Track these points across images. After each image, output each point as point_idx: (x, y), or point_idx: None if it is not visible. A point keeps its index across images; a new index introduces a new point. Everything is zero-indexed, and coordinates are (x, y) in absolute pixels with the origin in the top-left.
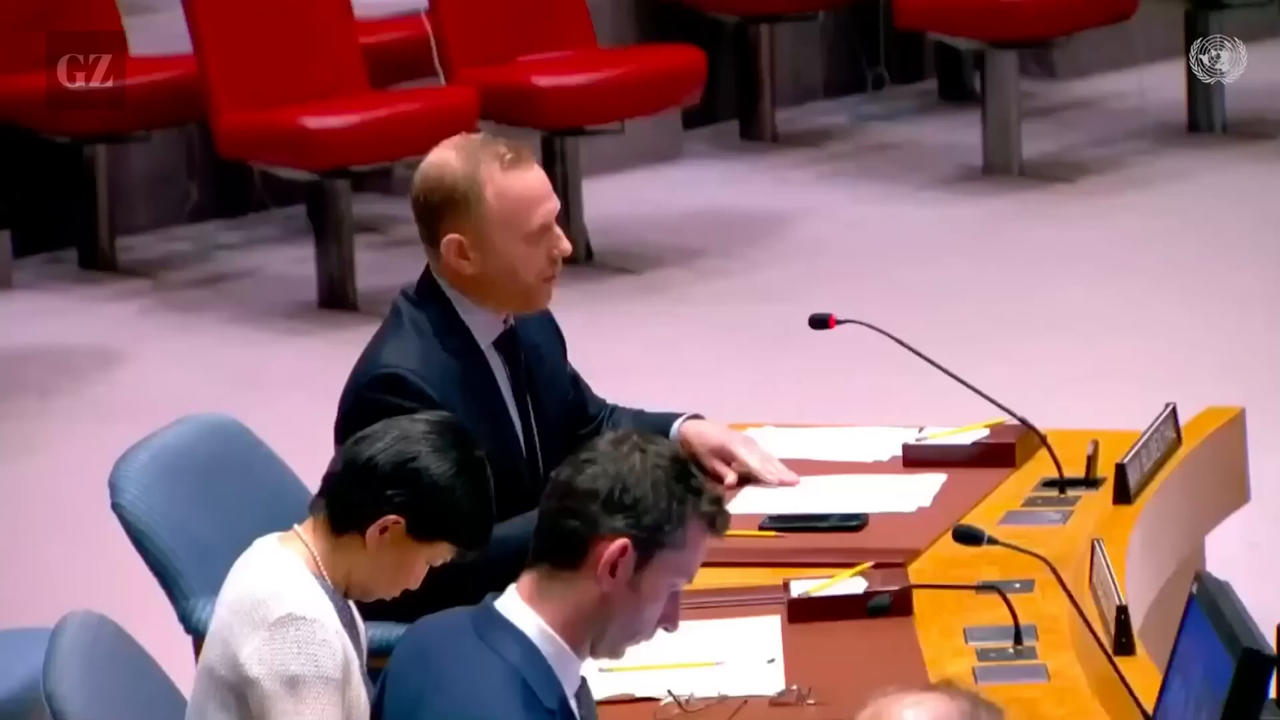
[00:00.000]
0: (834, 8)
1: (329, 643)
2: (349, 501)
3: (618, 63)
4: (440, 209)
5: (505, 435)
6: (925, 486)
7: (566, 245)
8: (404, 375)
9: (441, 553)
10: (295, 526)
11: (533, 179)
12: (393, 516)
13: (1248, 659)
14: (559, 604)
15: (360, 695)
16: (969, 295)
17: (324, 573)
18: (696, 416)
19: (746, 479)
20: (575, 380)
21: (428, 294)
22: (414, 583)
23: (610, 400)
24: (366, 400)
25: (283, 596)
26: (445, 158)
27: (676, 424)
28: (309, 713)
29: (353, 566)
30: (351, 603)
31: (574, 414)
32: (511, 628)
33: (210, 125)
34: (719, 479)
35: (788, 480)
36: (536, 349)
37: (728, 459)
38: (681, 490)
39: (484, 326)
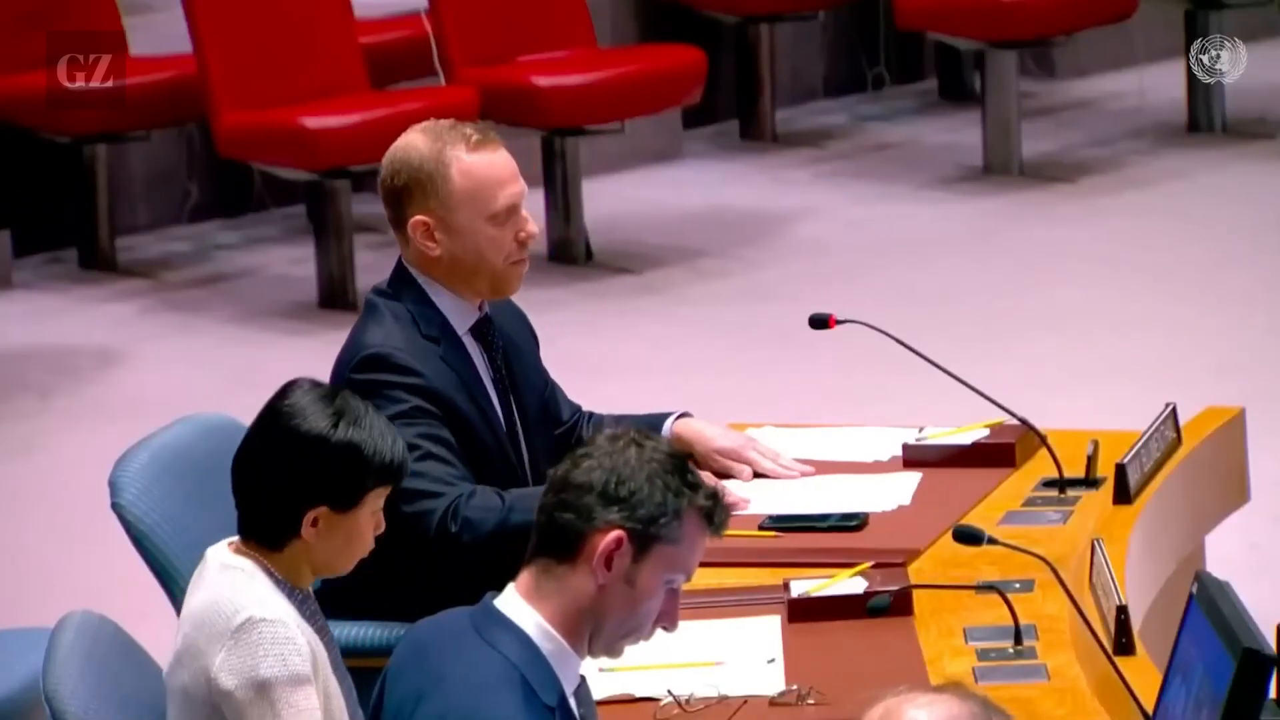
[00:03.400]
0: (834, 8)
1: (293, 640)
2: (266, 521)
3: (618, 63)
4: (406, 190)
5: (490, 420)
6: (905, 484)
7: (533, 228)
8: (389, 352)
9: (376, 502)
10: (238, 541)
11: (499, 160)
12: (314, 510)
13: (1248, 659)
14: (556, 599)
15: (330, 686)
16: (969, 295)
17: (280, 575)
18: (685, 415)
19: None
20: (548, 380)
21: (401, 284)
22: (371, 542)
23: (609, 401)
24: (356, 383)
25: (239, 602)
26: (411, 140)
27: (668, 423)
28: (287, 714)
29: (307, 561)
30: (313, 598)
31: (547, 413)
32: (511, 625)
33: (210, 125)
34: (723, 477)
35: (806, 471)
36: (512, 340)
37: (740, 463)
38: (678, 484)
39: (459, 314)
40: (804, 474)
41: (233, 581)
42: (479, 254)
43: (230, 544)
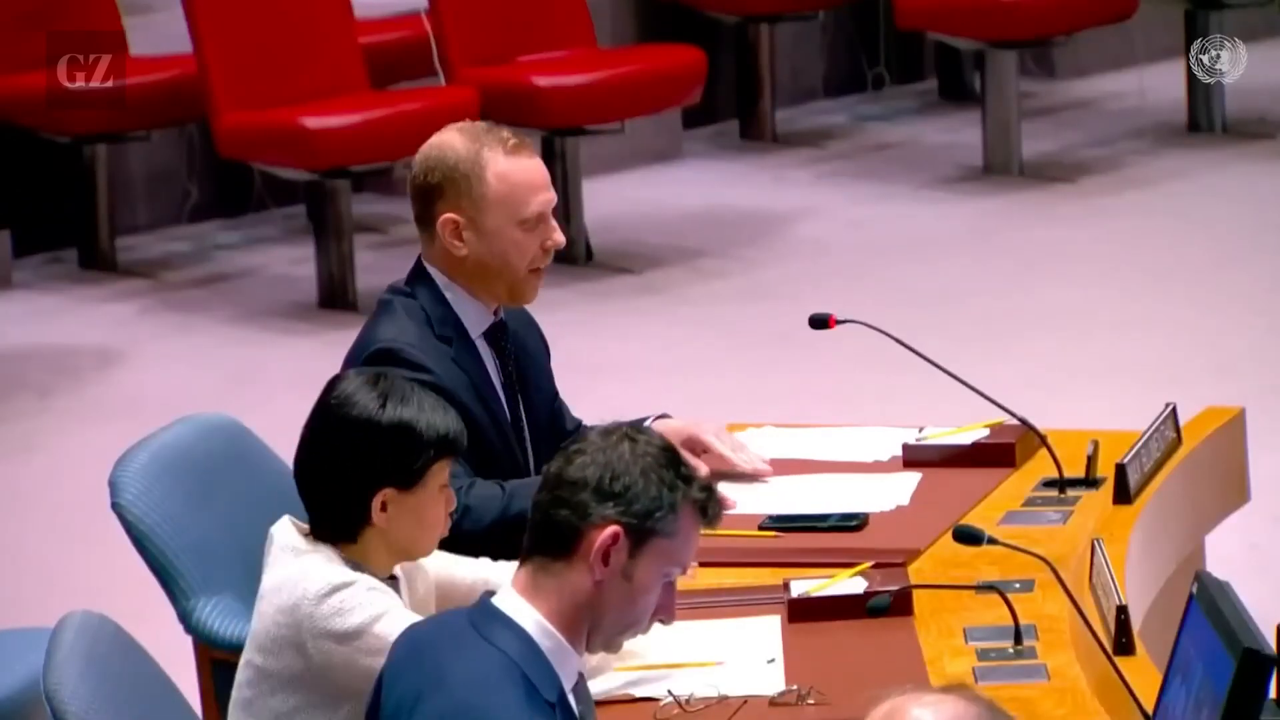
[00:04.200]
0: (834, 8)
1: (375, 588)
2: (336, 515)
3: (618, 63)
4: (439, 188)
5: (499, 424)
6: (903, 484)
7: (560, 237)
8: (400, 347)
9: (442, 476)
10: (310, 535)
11: (534, 166)
12: (380, 494)
13: (1248, 659)
14: (554, 596)
15: None
16: (969, 295)
17: (367, 570)
18: (664, 417)
19: (720, 475)
20: (557, 391)
21: (418, 282)
22: (446, 519)
23: (609, 401)
24: None
25: (316, 575)
26: (448, 138)
27: (645, 425)
28: (389, 629)
29: (386, 548)
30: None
31: (555, 421)
32: (510, 623)
33: (210, 125)
34: None
35: (761, 470)
36: (525, 348)
37: (698, 449)
38: (672, 477)
39: (474, 316)
40: (758, 471)
41: (306, 566)
42: (504, 258)
43: (302, 530)
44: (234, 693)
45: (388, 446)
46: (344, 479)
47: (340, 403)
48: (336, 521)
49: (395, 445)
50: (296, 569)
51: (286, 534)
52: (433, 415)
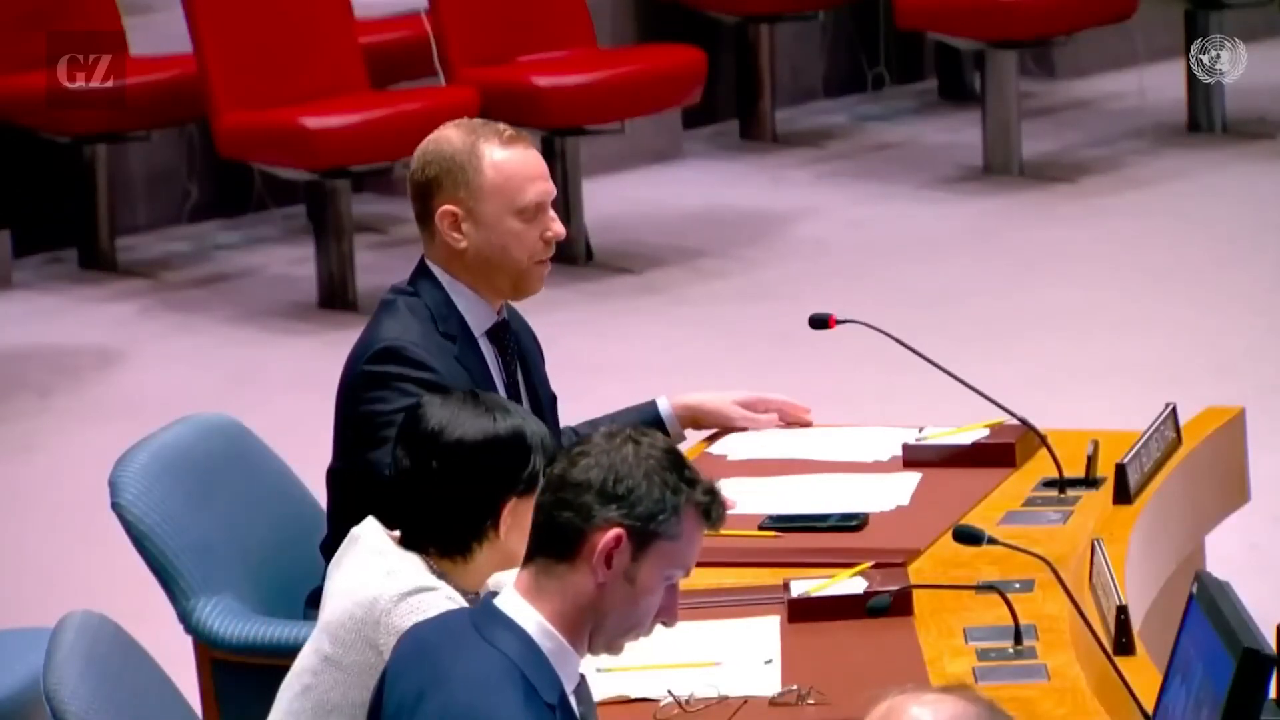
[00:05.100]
0: (834, 8)
1: (453, 599)
2: (459, 534)
3: (618, 63)
4: (436, 181)
5: None
6: (903, 484)
7: (560, 228)
8: (404, 345)
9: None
10: (400, 542)
11: (530, 156)
12: (507, 503)
13: (1248, 659)
14: (556, 598)
15: None
16: (969, 295)
17: (453, 583)
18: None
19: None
20: (554, 395)
21: (422, 281)
22: None
23: (608, 401)
24: (370, 374)
25: (404, 576)
26: (444, 133)
27: (663, 406)
28: None
29: (492, 558)
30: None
31: (552, 424)
32: (511, 624)
33: (210, 125)
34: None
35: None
36: (525, 349)
37: (761, 407)
38: (675, 480)
39: (478, 314)
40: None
41: (394, 566)
42: (504, 249)
43: (391, 535)
44: (290, 679)
45: (513, 455)
46: (474, 498)
47: (443, 429)
48: (459, 539)
49: (517, 452)
50: (383, 568)
51: (375, 536)
52: (529, 419)
